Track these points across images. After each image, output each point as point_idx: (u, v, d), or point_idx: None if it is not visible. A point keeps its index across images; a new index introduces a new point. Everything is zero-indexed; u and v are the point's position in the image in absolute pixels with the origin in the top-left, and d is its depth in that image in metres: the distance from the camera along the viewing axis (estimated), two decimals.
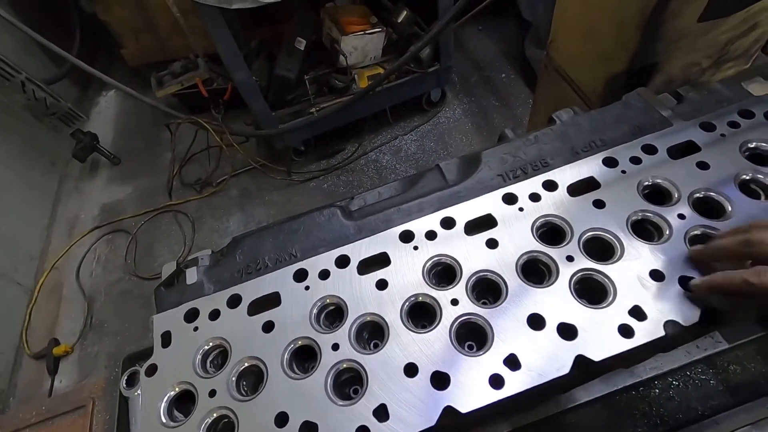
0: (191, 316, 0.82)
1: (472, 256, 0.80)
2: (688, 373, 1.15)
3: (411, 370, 0.70)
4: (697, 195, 0.80)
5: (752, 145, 0.85)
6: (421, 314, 0.77)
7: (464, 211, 0.86)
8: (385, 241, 0.85)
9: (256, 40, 3.37)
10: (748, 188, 0.81)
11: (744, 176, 0.81)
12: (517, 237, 0.81)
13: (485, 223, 0.84)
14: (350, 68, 3.02)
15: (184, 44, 3.56)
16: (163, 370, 0.77)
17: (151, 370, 0.77)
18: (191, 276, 0.89)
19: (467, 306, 0.75)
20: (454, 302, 0.75)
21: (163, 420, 0.72)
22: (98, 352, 2.68)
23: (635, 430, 1.11)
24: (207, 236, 3.12)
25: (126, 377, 1.25)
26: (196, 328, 0.81)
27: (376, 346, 0.79)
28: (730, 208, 0.78)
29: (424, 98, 3.41)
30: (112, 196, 3.51)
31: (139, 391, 1.25)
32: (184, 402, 0.77)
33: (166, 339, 0.81)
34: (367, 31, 2.92)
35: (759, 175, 0.81)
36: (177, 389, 0.75)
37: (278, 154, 3.33)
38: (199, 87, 3.45)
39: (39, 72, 3.47)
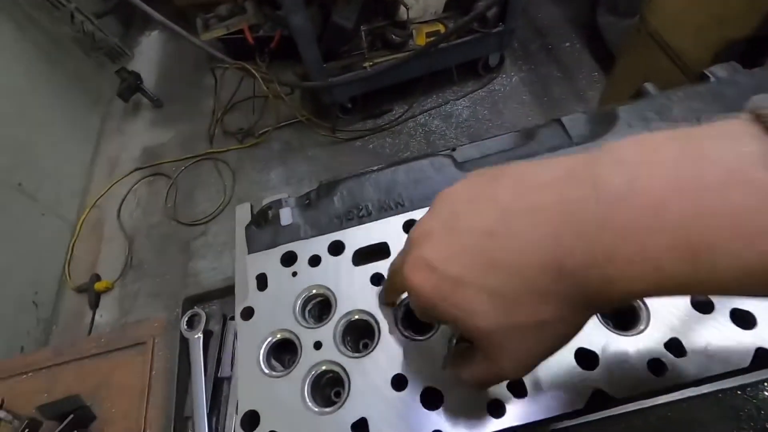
0: (289, 259, 0.75)
1: None
2: None
3: None
4: None
5: None
6: None
7: None
8: None
9: None
10: None
11: None
12: None
13: None
14: (409, 22, 2.83)
15: None
16: (260, 315, 0.70)
17: (248, 314, 0.70)
18: (285, 216, 0.80)
19: None
20: None
21: (265, 370, 0.65)
22: (138, 291, 2.71)
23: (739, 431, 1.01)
24: (247, 188, 3.08)
25: (187, 319, 1.21)
26: (294, 273, 0.73)
27: None
28: None
29: (481, 62, 3.20)
30: (153, 139, 3.48)
31: (199, 334, 1.21)
32: (278, 351, 0.71)
33: (262, 281, 0.73)
34: None
35: None
36: (279, 337, 0.68)
37: (323, 111, 3.21)
38: (246, 33, 3.32)
39: (86, 6, 3.38)
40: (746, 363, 0.56)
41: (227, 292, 1.23)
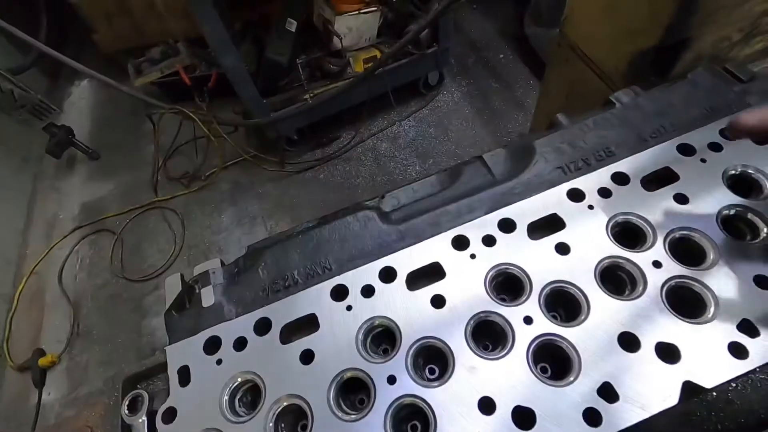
0: (212, 346, 0.70)
1: (541, 264, 0.69)
2: (747, 374, 1.07)
3: (487, 405, 0.59)
4: None
5: None
6: (488, 335, 0.66)
7: (524, 211, 0.74)
8: (436, 248, 0.73)
9: (239, 22, 3.15)
10: None
11: None
12: (590, 240, 0.70)
13: (551, 224, 0.73)
14: (345, 51, 2.84)
15: (162, 28, 3.33)
16: (184, 415, 0.65)
17: (170, 416, 0.64)
18: (207, 297, 0.75)
19: (543, 325, 0.64)
20: (528, 320, 0.64)
21: None
22: (88, 361, 2.52)
23: None
24: (198, 233, 2.95)
25: (128, 402, 1.11)
26: (219, 361, 0.68)
27: (432, 372, 0.68)
28: None
29: (421, 81, 3.26)
30: (92, 193, 3.29)
31: (143, 418, 1.12)
32: None
33: (184, 375, 0.68)
34: (362, 11, 2.74)
35: None
36: None
37: (270, 145, 3.16)
38: (181, 74, 3.23)
39: (3, 62, 3.19)
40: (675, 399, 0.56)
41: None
